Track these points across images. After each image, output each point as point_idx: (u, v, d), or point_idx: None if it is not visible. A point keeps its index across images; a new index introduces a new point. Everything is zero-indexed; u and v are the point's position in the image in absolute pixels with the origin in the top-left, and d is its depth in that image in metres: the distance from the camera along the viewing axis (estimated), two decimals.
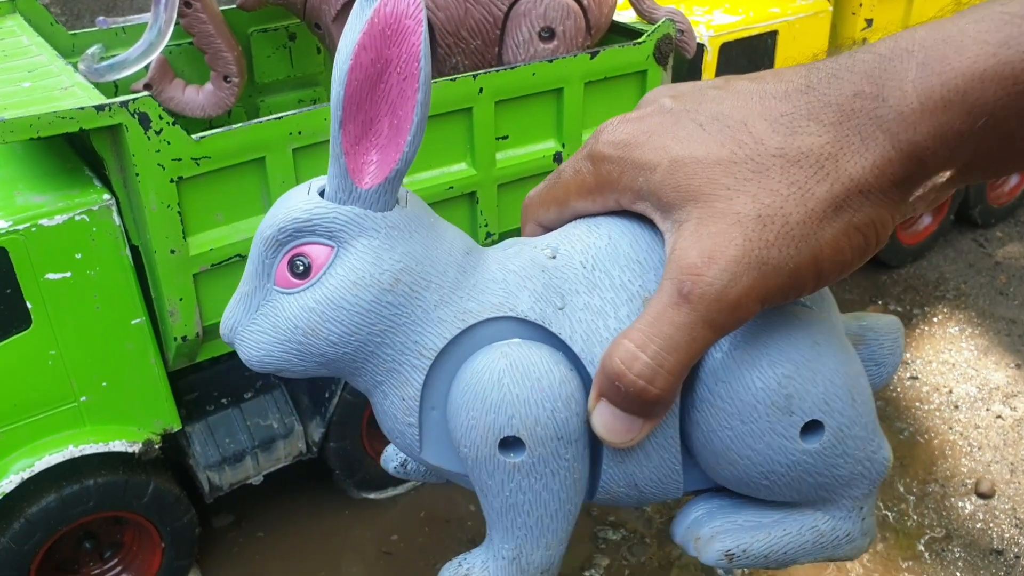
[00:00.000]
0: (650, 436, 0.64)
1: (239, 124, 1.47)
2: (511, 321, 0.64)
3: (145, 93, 1.36)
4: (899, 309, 2.66)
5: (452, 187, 1.74)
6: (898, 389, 2.39)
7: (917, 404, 2.34)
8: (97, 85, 1.87)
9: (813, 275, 0.58)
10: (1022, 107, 0.52)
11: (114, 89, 1.93)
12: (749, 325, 0.60)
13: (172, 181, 1.43)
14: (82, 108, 1.33)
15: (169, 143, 1.41)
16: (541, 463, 0.64)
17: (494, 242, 1.85)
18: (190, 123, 2.02)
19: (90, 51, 1.83)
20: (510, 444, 0.63)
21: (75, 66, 1.76)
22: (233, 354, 1.71)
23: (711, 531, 0.70)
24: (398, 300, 0.61)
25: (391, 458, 0.76)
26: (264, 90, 2.15)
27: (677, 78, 1.98)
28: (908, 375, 2.42)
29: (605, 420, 0.61)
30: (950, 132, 0.54)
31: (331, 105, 0.56)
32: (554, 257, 0.65)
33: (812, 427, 0.63)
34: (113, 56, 1.91)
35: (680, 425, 0.64)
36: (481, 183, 1.78)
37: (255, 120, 1.49)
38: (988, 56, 0.52)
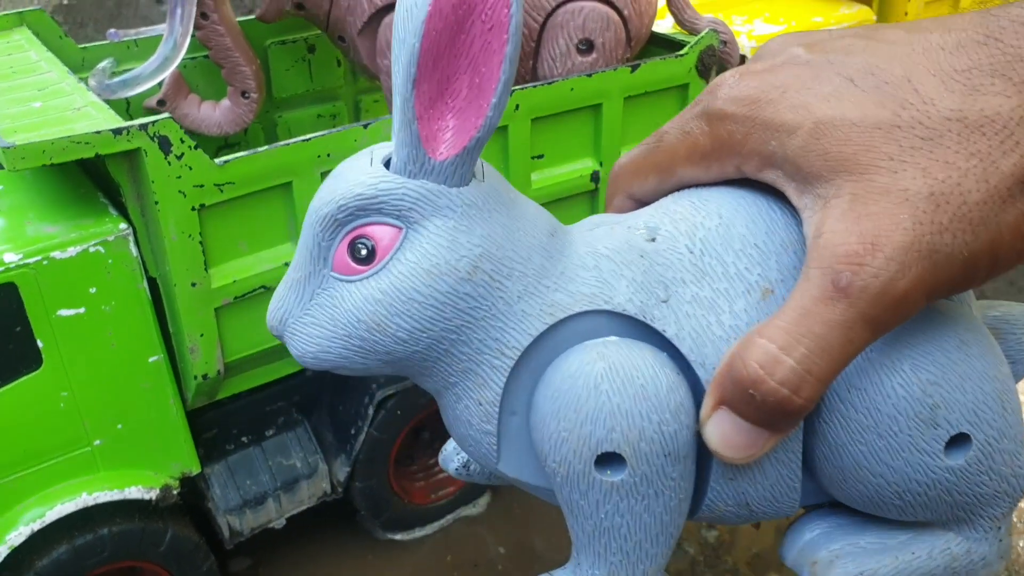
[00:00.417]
0: (770, 451, 0.55)
1: (264, 148, 1.37)
2: (607, 315, 0.56)
3: (165, 115, 1.26)
4: None
5: None
6: None
7: None
8: (110, 103, 1.77)
9: (988, 265, 0.49)
10: None
11: (126, 106, 1.83)
12: None
13: (194, 209, 1.33)
14: (98, 132, 1.22)
15: (191, 168, 1.31)
16: (644, 483, 0.56)
17: None
18: (205, 141, 1.92)
19: (101, 66, 1.73)
20: (609, 460, 0.55)
21: (87, 82, 1.66)
22: (254, 389, 1.61)
23: (830, 554, 0.62)
24: (477, 291, 0.54)
25: (451, 458, 0.67)
26: (282, 105, 2.05)
27: None
28: None
29: (725, 432, 0.53)
30: None
31: (401, 61, 0.48)
32: (654, 239, 0.57)
33: (958, 441, 0.56)
34: (126, 71, 1.81)
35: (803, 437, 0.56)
36: None
37: (281, 143, 1.39)
38: None
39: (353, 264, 0.52)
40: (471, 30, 0.49)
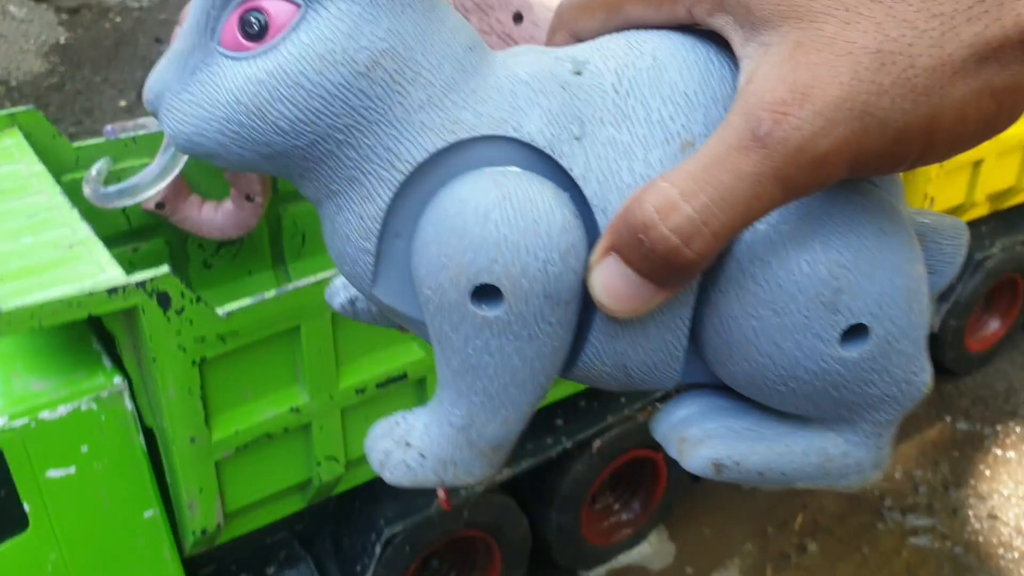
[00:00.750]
0: (655, 310, 0.51)
1: (272, 293, 1.27)
2: (514, 144, 0.52)
3: (164, 270, 1.16)
4: (968, 427, 2.46)
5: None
6: (975, 529, 2.18)
7: (1000, 551, 2.13)
8: (105, 216, 1.67)
9: (922, 143, 0.45)
10: None
11: (123, 208, 1.73)
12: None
13: (194, 363, 1.23)
14: (91, 293, 1.12)
15: (192, 323, 1.20)
16: (519, 323, 0.52)
17: (548, 402, 1.66)
18: (204, 242, 1.82)
19: (95, 169, 1.62)
20: (485, 294, 0.51)
21: (82, 185, 1.56)
22: (256, 526, 1.51)
23: (702, 433, 0.58)
24: (374, 90, 0.49)
25: (337, 292, 0.59)
26: (287, 198, 1.95)
27: None
28: (985, 513, 2.21)
29: (610, 281, 0.49)
30: None
31: None
32: (579, 73, 0.54)
33: (856, 332, 0.52)
34: (123, 170, 1.71)
35: (694, 304, 0.53)
36: None
37: (291, 286, 1.28)
38: None
39: (242, 40, 0.46)
40: None
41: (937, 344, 2.51)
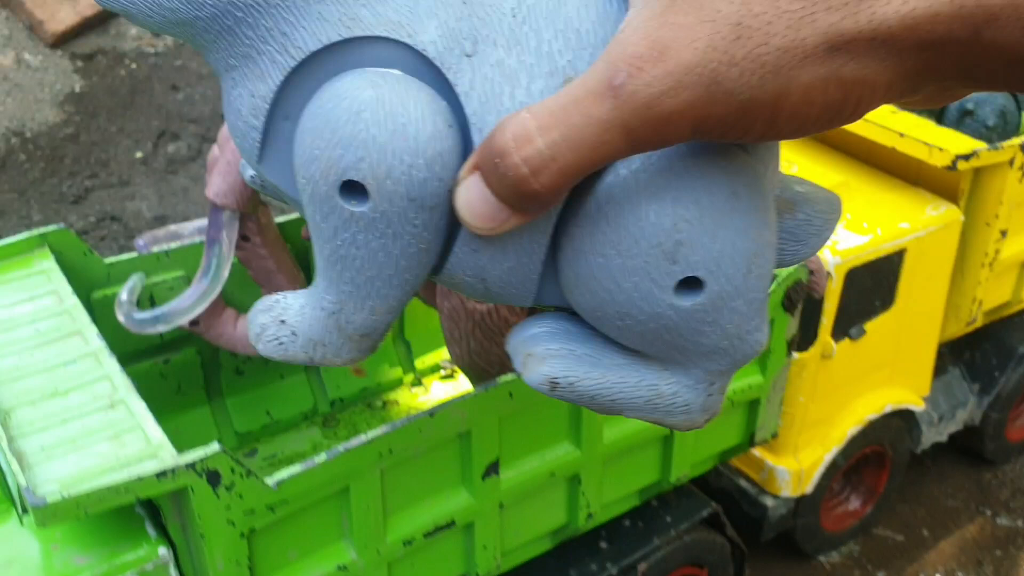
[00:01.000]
0: (514, 232, 0.55)
1: (322, 457, 1.21)
2: (405, 49, 0.54)
3: (215, 447, 1.10)
4: (1009, 523, 2.40)
5: (554, 473, 1.49)
6: None
7: None
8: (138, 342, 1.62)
9: (765, 119, 0.48)
10: None
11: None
12: (671, 148, 0.51)
13: (243, 536, 1.18)
14: (139, 478, 1.07)
15: (242, 497, 1.15)
16: (383, 221, 0.55)
17: (596, 522, 1.61)
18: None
19: (127, 290, 1.57)
20: (353, 189, 0.54)
21: (114, 304, 1.51)
22: None
23: (545, 352, 0.62)
24: None
25: (246, 167, 0.66)
26: None
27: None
28: None
29: (470, 198, 0.52)
30: None
31: None
32: None
33: (691, 284, 0.55)
34: (155, 284, 1.66)
35: (553, 232, 0.56)
36: (586, 464, 1.52)
37: (340, 447, 1.23)
38: None
39: None
40: None
41: (977, 436, 2.46)
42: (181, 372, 1.82)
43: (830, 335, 1.87)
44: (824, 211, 0.62)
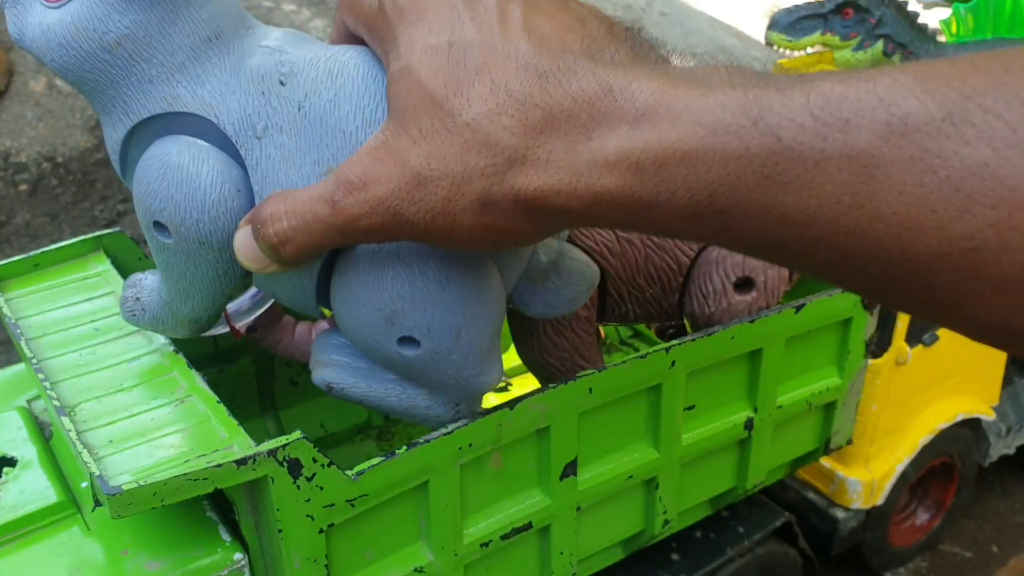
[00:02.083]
0: (287, 272, 0.75)
1: (403, 449, 1.15)
2: (212, 125, 0.72)
3: (297, 435, 1.04)
4: None
5: (632, 476, 1.42)
6: None
7: None
8: (191, 340, 1.57)
9: (443, 242, 0.65)
10: (706, 191, 0.53)
11: (213, 339, 1.62)
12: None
13: (321, 531, 1.12)
14: (219, 465, 1.01)
15: (322, 489, 1.09)
16: (184, 253, 0.77)
17: (671, 530, 1.54)
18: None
19: None
20: (161, 227, 0.77)
21: None
22: None
23: (328, 360, 0.84)
24: (116, 61, 0.70)
25: None
26: None
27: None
28: None
29: (243, 244, 0.72)
30: (628, 193, 0.56)
31: None
32: (283, 84, 0.72)
33: (410, 340, 0.75)
34: None
35: (321, 274, 0.76)
36: (664, 466, 1.46)
37: (421, 440, 1.17)
38: (697, 139, 0.53)
39: None
40: None
41: None
42: (235, 383, 1.76)
43: (904, 340, 1.80)
44: (574, 286, 0.86)
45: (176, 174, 0.72)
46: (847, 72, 0.51)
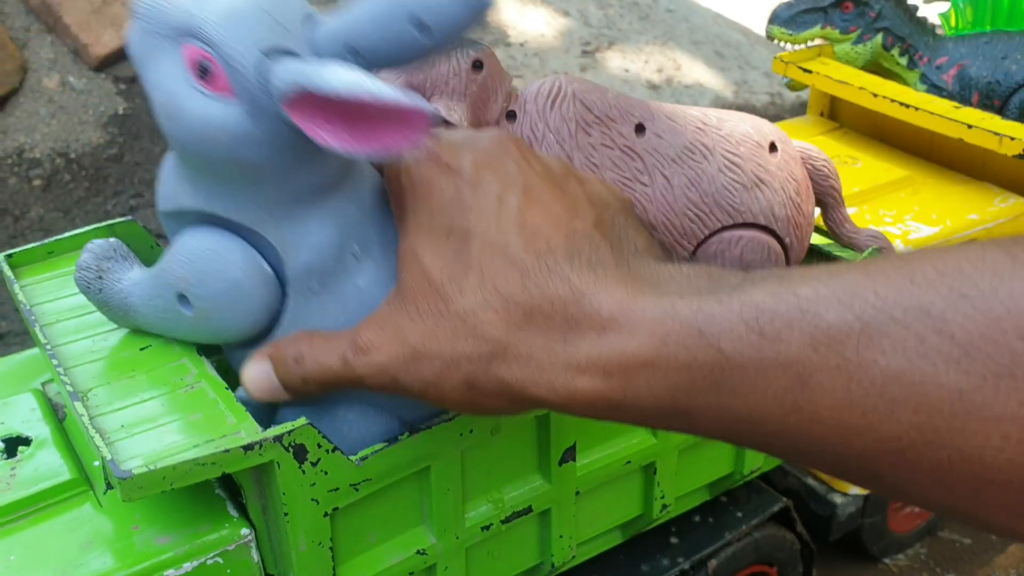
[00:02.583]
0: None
1: (405, 436, 1.19)
2: (280, 259, 0.84)
3: (303, 421, 1.08)
4: None
5: (630, 461, 1.46)
6: None
7: None
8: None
9: (437, 404, 0.78)
10: (666, 394, 0.60)
11: None
12: None
13: (326, 515, 1.15)
14: (227, 451, 1.05)
15: (327, 473, 1.13)
16: (188, 325, 0.99)
17: (669, 514, 1.57)
18: None
19: None
20: (185, 301, 0.93)
21: None
22: None
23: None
24: (231, 169, 0.80)
25: None
26: None
27: None
28: None
29: (258, 376, 0.90)
30: (599, 395, 0.63)
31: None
32: (356, 258, 0.82)
33: None
34: None
35: None
36: (662, 452, 1.49)
37: (423, 426, 1.21)
38: (652, 348, 0.60)
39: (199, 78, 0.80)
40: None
41: None
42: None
43: None
44: None
45: (234, 289, 0.82)
46: (777, 278, 0.58)
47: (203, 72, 0.74)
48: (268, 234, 0.80)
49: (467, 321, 0.66)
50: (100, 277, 1.06)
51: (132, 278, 1.04)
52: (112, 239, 1.09)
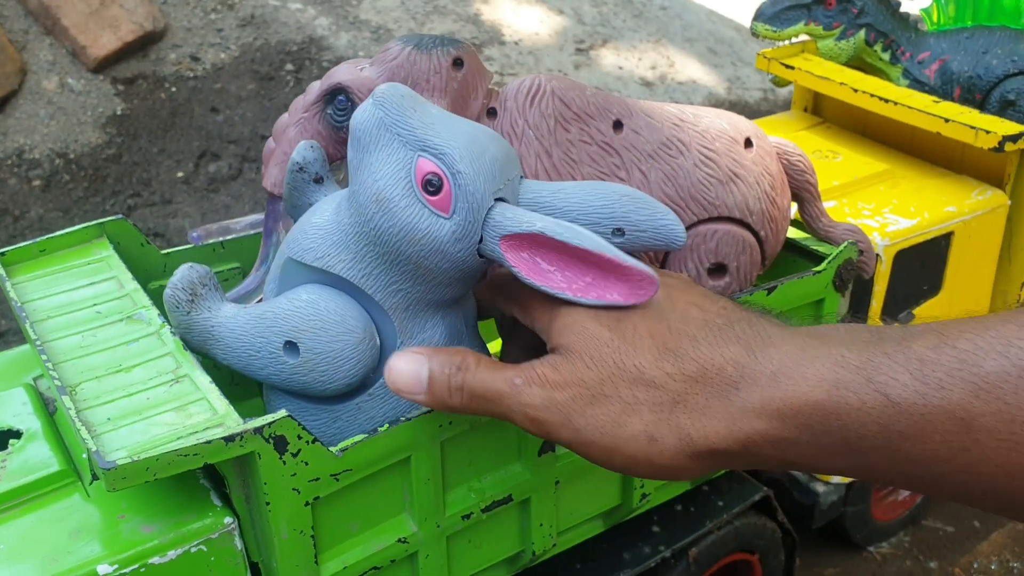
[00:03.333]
0: None
1: (384, 427, 1.22)
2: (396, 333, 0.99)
3: (282, 414, 1.11)
4: None
5: None
6: None
7: None
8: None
9: (602, 461, 0.77)
10: (839, 434, 0.63)
11: None
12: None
13: (307, 504, 1.19)
14: (208, 442, 1.08)
15: (307, 464, 1.16)
16: (284, 371, 1.08)
17: (649, 504, 1.61)
18: None
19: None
20: (292, 348, 0.99)
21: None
22: None
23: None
24: (403, 270, 0.94)
25: (295, 156, 1.32)
26: None
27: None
28: None
29: (408, 369, 0.90)
30: (777, 435, 0.66)
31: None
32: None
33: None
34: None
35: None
36: None
37: (403, 418, 1.24)
38: (823, 392, 0.64)
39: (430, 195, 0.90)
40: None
41: None
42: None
43: (880, 320, 1.87)
44: None
45: (348, 352, 0.95)
46: (937, 333, 0.62)
47: (429, 185, 0.84)
48: (396, 320, 0.92)
49: (645, 373, 0.69)
50: (192, 300, 1.10)
51: (226, 312, 1.06)
52: (205, 267, 1.11)
